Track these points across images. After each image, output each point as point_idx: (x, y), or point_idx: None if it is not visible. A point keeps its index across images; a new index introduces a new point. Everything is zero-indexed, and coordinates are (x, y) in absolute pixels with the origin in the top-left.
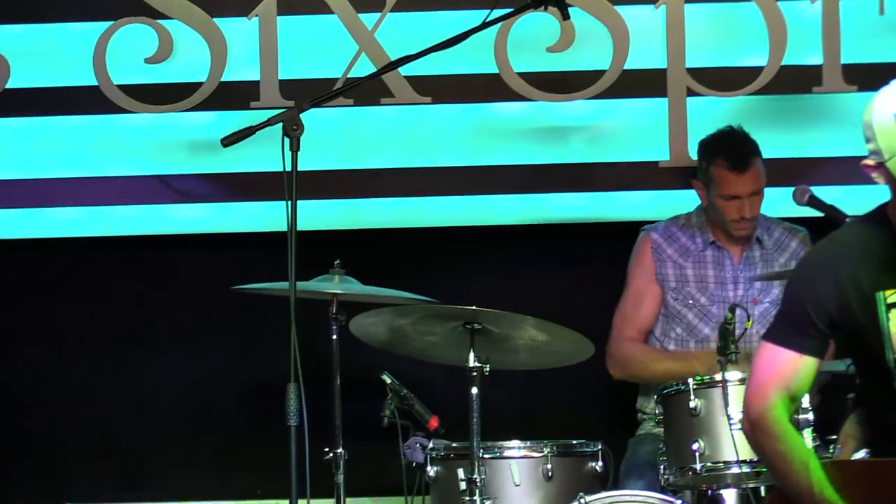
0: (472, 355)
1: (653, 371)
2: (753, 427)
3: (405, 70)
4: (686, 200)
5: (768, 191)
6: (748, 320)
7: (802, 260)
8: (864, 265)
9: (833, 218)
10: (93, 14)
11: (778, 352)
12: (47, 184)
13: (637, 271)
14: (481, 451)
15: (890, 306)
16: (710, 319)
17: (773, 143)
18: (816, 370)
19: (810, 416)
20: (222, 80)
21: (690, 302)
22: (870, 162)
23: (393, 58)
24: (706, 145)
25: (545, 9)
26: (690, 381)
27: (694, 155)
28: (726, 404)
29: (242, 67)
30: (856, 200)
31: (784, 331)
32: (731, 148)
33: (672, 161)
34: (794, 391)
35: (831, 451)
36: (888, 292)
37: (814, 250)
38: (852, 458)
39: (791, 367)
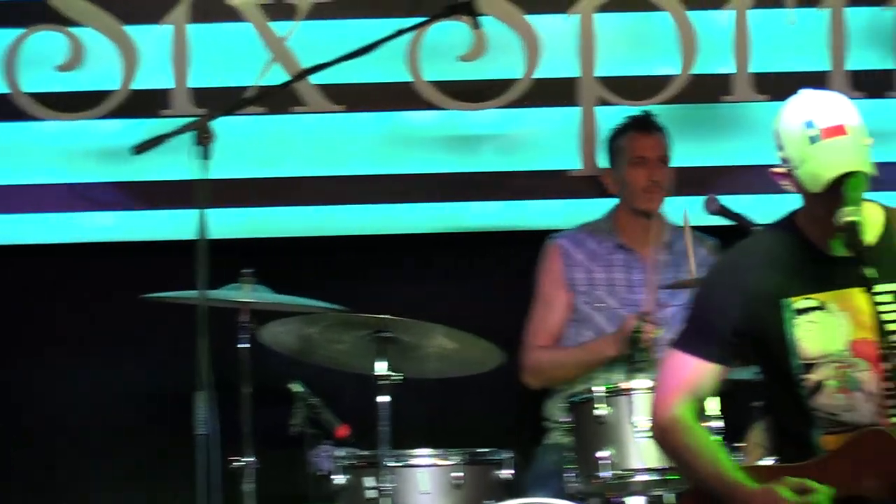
0: (381, 364)
1: (567, 368)
2: (661, 430)
3: (317, 78)
4: (596, 209)
5: (678, 199)
6: (657, 328)
7: (711, 268)
8: (771, 272)
9: (742, 226)
10: (2, 21)
11: (684, 359)
12: None
13: (545, 279)
14: (389, 459)
15: (797, 312)
16: (620, 322)
17: (684, 152)
18: (722, 377)
19: (719, 423)
20: (133, 87)
21: (601, 305)
22: (780, 170)
23: (305, 66)
24: (614, 129)
25: (457, 18)
26: (598, 388)
27: (605, 164)
28: (632, 412)
29: (154, 75)
30: (765, 209)
31: (690, 338)
32: (638, 117)
33: (583, 170)
34: (699, 397)
35: (738, 459)
36: (795, 299)
37: (722, 259)
38: (759, 464)
39: (696, 374)
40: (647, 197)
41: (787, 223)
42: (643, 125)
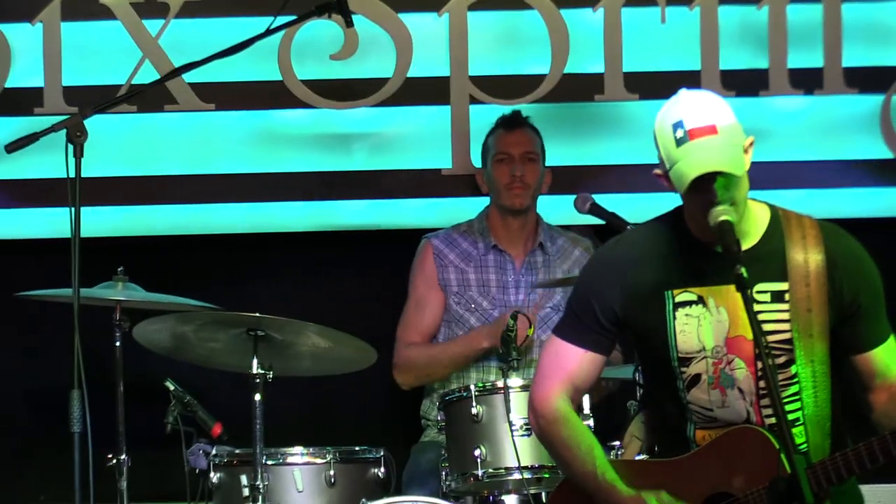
0: (255, 362)
1: (439, 363)
2: (538, 416)
3: (189, 77)
4: (469, 208)
5: (550, 199)
6: (530, 328)
7: (592, 258)
8: (654, 264)
9: (614, 225)
10: None
11: (563, 346)
12: None
13: (419, 278)
14: (264, 457)
15: (677, 305)
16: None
17: (555, 151)
18: (601, 365)
19: (591, 422)
20: (6, 86)
21: (473, 306)
22: (658, 171)
23: (177, 64)
24: (488, 130)
25: (329, 16)
26: (472, 387)
27: (477, 162)
28: (508, 411)
29: (26, 73)
30: (637, 207)
31: (571, 326)
32: (505, 115)
33: (455, 169)
34: (577, 384)
35: (613, 455)
36: (676, 292)
37: (603, 250)
38: (633, 459)
39: (575, 362)
40: (510, 193)
41: (673, 217)
42: (508, 123)
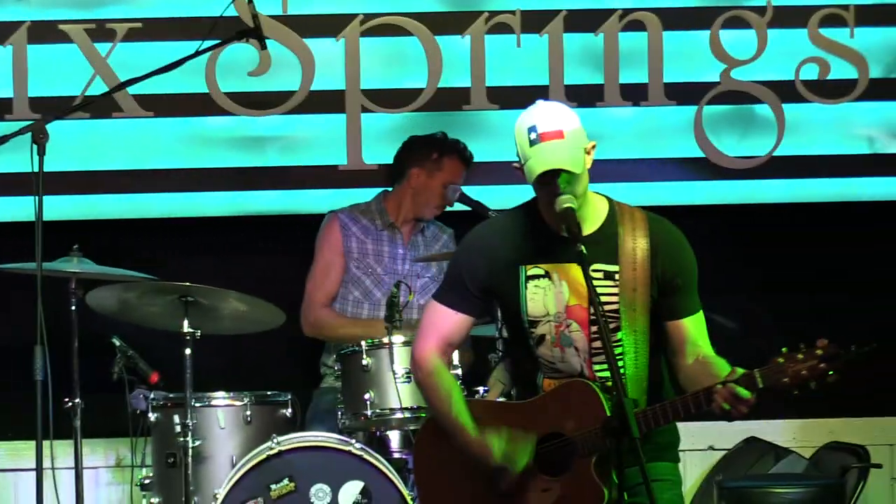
0: (186, 323)
1: (340, 334)
2: (416, 366)
3: (132, 89)
4: (360, 197)
5: None
6: (410, 294)
7: (466, 238)
8: (511, 244)
9: (478, 211)
10: None
11: (439, 308)
12: None
13: (325, 246)
14: (193, 400)
15: (529, 278)
16: (382, 286)
17: None
18: (470, 325)
19: (459, 371)
20: None
21: (369, 270)
22: (516, 165)
23: (122, 79)
24: (438, 140)
25: (247, 40)
26: (363, 343)
27: (368, 160)
28: (392, 362)
29: None
30: (497, 197)
31: (446, 293)
32: (461, 146)
33: (349, 165)
34: (450, 339)
35: (479, 397)
36: (528, 267)
37: (475, 230)
38: (491, 400)
39: (449, 321)
40: (434, 212)
41: (528, 206)
42: (466, 159)
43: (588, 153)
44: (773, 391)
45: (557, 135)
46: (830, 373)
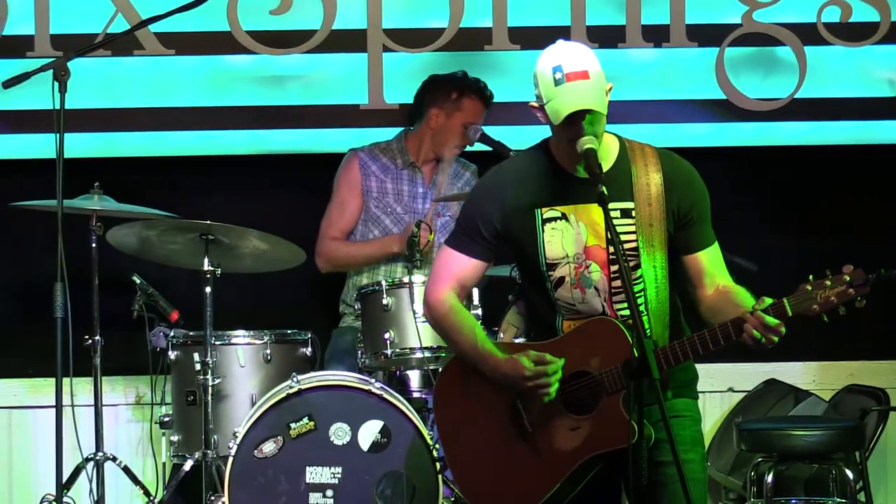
0: (206, 261)
1: (356, 258)
2: (430, 308)
3: (154, 27)
4: (381, 137)
5: None
6: (430, 234)
7: (478, 183)
8: (526, 187)
9: (499, 151)
10: None
11: (452, 254)
12: None
13: (344, 183)
14: (213, 338)
15: (545, 221)
16: (402, 225)
17: None
18: (482, 270)
19: (479, 311)
20: (3, 33)
21: (389, 210)
22: (534, 104)
23: (144, 17)
24: (457, 79)
25: None
26: (383, 282)
27: (389, 99)
28: (412, 301)
29: (19, 22)
30: (518, 137)
31: (459, 238)
32: (482, 86)
33: (370, 104)
34: (463, 284)
35: (495, 338)
36: (544, 210)
37: (487, 176)
38: (511, 342)
39: (461, 266)
40: (455, 151)
41: (541, 148)
42: (487, 99)
43: (606, 95)
44: (802, 318)
45: (583, 75)
46: (859, 298)
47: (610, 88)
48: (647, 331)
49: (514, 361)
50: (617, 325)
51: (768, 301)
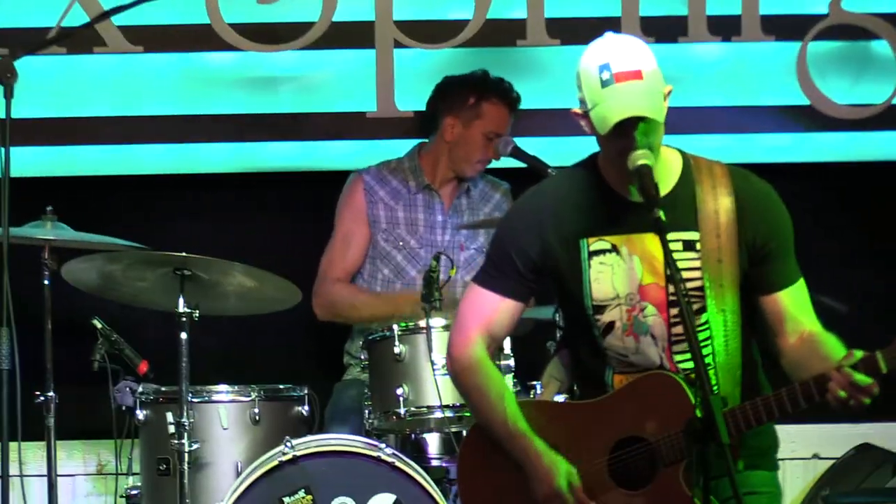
0: (181, 301)
1: (360, 313)
2: (454, 362)
3: (118, 19)
4: (392, 150)
5: None
6: (452, 268)
7: (512, 208)
8: (570, 213)
9: (535, 168)
10: None
11: (482, 293)
12: None
13: (347, 213)
14: (190, 394)
15: (592, 254)
16: (417, 262)
17: None
18: (519, 313)
19: (511, 361)
20: None
21: (400, 244)
22: (577, 111)
23: (106, 7)
24: (475, 81)
25: None
26: (395, 327)
27: (401, 106)
28: (430, 350)
29: None
30: (558, 151)
31: (490, 274)
32: (507, 89)
33: (379, 112)
34: (494, 331)
35: (532, 395)
36: (591, 240)
37: (522, 199)
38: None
39: (493, 308)
40: (475, 167)
41: (588, 165)
42: (509, 102)
43: (664, 99)
44: None
45: (635, 75)
46: None
47: (669, 92)
48: (714, 387)
49: (550, 473)
50: (676, 380)
51: (858, 355)
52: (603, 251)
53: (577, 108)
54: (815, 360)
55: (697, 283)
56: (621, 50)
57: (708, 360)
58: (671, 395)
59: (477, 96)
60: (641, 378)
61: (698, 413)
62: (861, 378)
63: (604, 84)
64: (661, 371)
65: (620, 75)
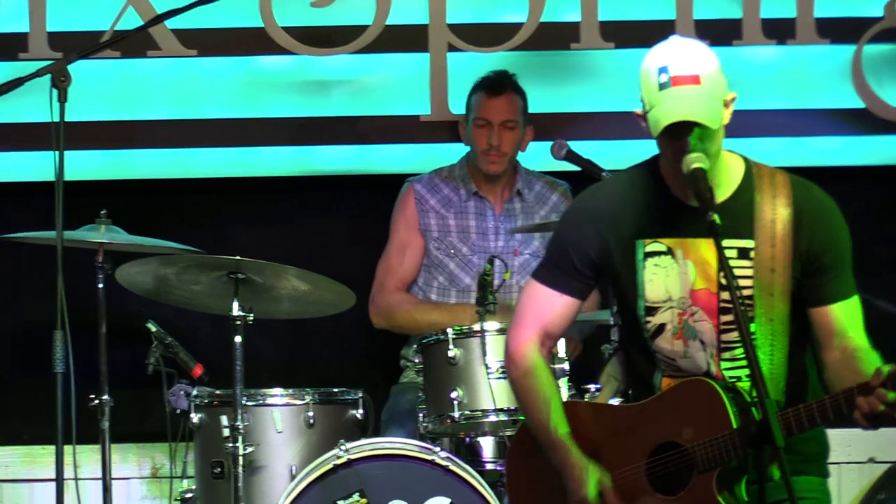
0: (235, 304)
1: (418, 322)
2: (511, 363)
3: (172, 23)
4: (446, 154)
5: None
6: (507, 272)
7: (571, 205)
8: (627, 214)
9: (589, 172)
10: None
11: (540, 289)
12: None
13: (400, 222)
14: (244, 398)
15: (647, 255)
16: (471, 269)
17: (532, 98)
18: (576, 310)
19: (566, 365)
20: None
21: (452, 252)
22: (639, 112)
23: (160, 11)
24: (473, 84)
25: None
26: (450, 330)
27: (455, 109)
28: (484, 354)
29: (11, 19)
30: (611, 154)
31: (549, 271)
32: (490, 78)
33: (433, 115)
34: (550, 328)
35: (586, 398)
36: (647, 241)
37: (582, 197)
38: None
39: (550, 305)
40: (486, 160)
41: (648, 167)
42: (491, 87)
43: (727, 106)
44: None
45: (693, 80)
46: None
47: (732, 99)
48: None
49: (581, 482)
50: (714, 388)
51: (886, 370)
52: (658, 253)
53: (638, 110)
54: (850, 374)
55: (748, 292)
56: (682, 54)
57: None
58: (708, 403)
59: (469, 96)
60: (681, 384)
61: (732, 420)
62: (890, 394)
63: (661, 86)
64: (700, 378)
65: (678, 79)
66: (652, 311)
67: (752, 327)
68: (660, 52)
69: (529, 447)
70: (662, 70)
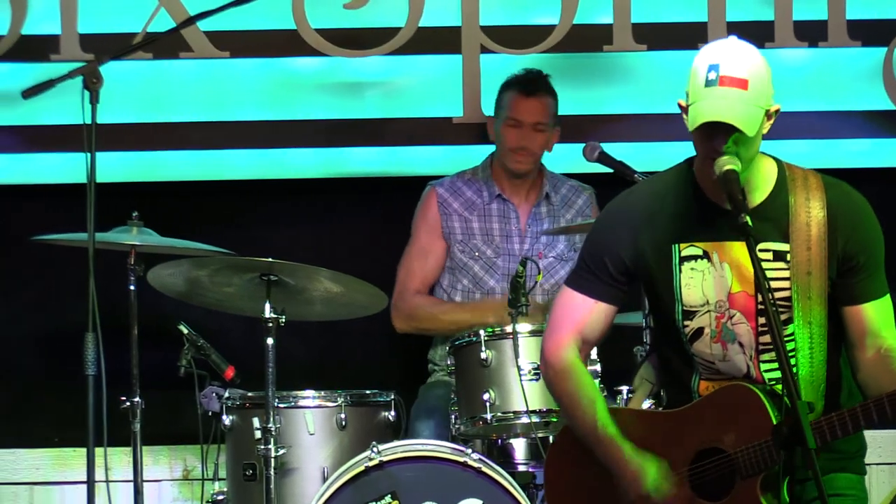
0: (267, 306)
1: (442, 322)
2: (548, 366)
3: (204, 25)
4: (478, 156)
5: (559, 147)
6: (539, 273)
7: (605, 210)
8: (663, 218)
9: (621, 174)
10: None
11: (574, 296)
12: None
13: (422, 226)
14: (276, 400)
15: (683, 259)
16: (495, 272)
17: (564, 100)
18: (612, 316)
19: (598, 367)
20: (23, 32)
21: (476, 254)
22: (682, 102)
23: (192, 13)
24: (505, 80)
25: None
26: (482, 332)
27: (487, 111)
28: (517, 356)
29: (42, 21)
30: (644, 156)
31: (582, 277)
32: (524, 77)
33: (465, 117)
34: (586, 334)
35: (618, 401)
36: (683, 245)
37: (616, 202)
38: (634, 408)
39: (585, 311)
40: (514, 158)
41: (683, 171)
42: (526, 88)
43: (769, 118)
44: None
45: (740, 83)
46: None
47: (776, 111)
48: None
49: (638, 476)
50: (756, 394)
51: None
52: (694, 257)
53: (682, 101)
54: (887, 375)
55: (785, 294)
56: (736, 55)
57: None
58: (750, 408)
59: (501, 91)
60: (722, 389)
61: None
62: None
63: (707, 83)
64: (741, 383)
65: (725, 79)
66: (690, 315)
67: (791, 329)
68: (715, 48)
69: (573, 455)
70: (713, 67)
